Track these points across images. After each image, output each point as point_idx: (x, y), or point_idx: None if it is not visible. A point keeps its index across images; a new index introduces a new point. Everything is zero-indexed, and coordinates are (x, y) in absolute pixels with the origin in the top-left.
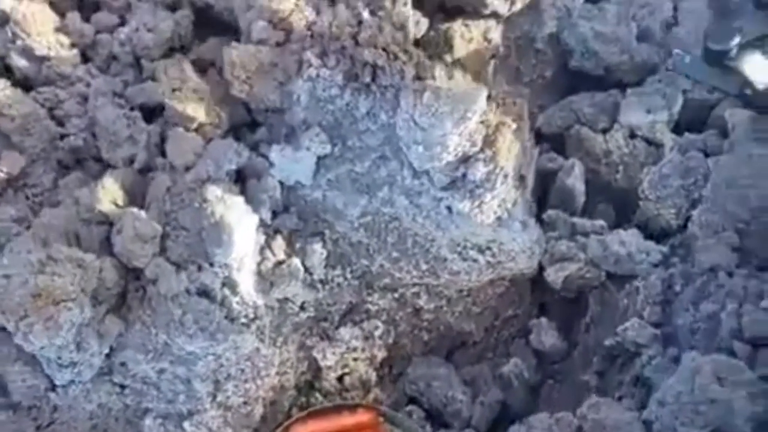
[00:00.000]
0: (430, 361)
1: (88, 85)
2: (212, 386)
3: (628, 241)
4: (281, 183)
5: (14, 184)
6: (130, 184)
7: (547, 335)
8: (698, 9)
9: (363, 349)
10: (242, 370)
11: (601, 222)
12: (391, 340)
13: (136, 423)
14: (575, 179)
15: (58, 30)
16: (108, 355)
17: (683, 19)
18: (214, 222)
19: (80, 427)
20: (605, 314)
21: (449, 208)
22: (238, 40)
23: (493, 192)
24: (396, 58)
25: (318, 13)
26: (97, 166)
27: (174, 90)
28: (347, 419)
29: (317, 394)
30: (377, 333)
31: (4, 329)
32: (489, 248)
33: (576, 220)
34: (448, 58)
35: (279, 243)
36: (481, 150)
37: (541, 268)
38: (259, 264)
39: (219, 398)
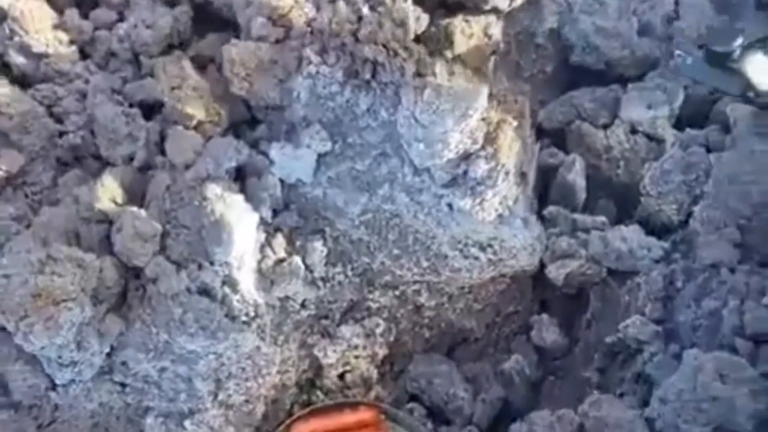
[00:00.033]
0: (431, 359)
1: (86, 82)
2: (213, 385)
3: (629, 237)
4: (281, 181)
5: (13, 183)
6: (129, 182)
7: (548, 332)
8: (699, 3)
9: (364, 347)
10: (243, 369)
11: (602, 218)
12: (392, 338)
13: (137, 422)
14: (576, 175)
15: (56, 27)
16: (109, 354)
17: (684, 13)
18: (214, 220)
19: (81, 426)
20: (606, 311)
21: (450, 206)
22: (237, 37)
23: (495, 189)
24: (396, 54)
25: (318, 9)
26: (96, 163)
27: (173, 88)
28: (349, 417)
29: (318, 392)
30: (378, 330)
31: (4, 329)
32: (490, 245)
33: (577, 216)
34: (448, 54)
35: (279, 241)
36: (483, 147)
37: (542, 265)
38: (259, 262)
39: (220, 397)
